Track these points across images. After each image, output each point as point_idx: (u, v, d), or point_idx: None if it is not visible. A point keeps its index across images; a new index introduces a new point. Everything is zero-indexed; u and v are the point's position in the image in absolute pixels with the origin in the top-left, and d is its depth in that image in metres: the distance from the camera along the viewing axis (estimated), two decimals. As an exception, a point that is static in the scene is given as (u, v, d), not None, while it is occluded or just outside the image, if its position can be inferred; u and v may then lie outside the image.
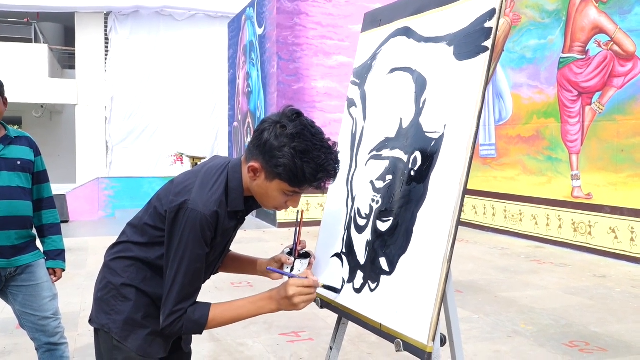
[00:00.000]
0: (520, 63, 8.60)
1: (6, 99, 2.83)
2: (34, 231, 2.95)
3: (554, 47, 7.97)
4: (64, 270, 3.04)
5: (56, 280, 3.00)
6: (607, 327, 4.47)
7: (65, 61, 17.68)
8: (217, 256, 1.76)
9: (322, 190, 1.64)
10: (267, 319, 4.56)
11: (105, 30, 15.13)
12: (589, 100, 7.40)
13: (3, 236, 2.74)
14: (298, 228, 1.78)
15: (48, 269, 2.95)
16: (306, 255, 1.81)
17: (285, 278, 1.71)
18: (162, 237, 1.66)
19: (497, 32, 1.46)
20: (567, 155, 7.74)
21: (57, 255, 2.99)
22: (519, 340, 4.18)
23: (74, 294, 5.50)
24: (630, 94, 6.81)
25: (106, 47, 15.10)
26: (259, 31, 11.02)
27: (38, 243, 2.95)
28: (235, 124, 13.28)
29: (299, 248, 1.80)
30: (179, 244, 1.59)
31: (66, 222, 11.60)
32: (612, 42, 7.05)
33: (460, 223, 9.22)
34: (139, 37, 15.07)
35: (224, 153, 15.05)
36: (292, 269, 1.76)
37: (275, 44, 9.95)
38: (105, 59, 15.09)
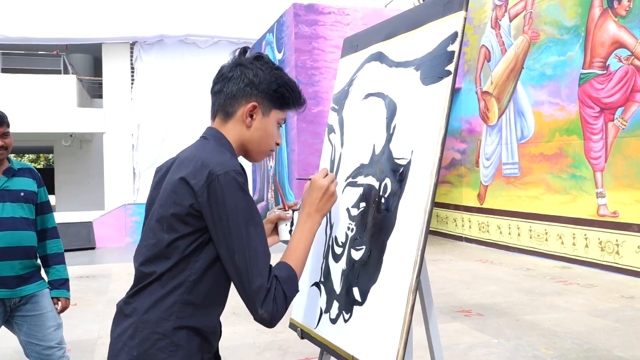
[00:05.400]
0: (541, 80, 8.48)
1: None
2: (39, 261, 3.00)
3: (574, 63, 7.85)
4: (68, 299, 3.06)
5: (62, 311, 3.03)
6: (632, 351, 4.30)
7: (94, 91, 18.09)
8: None
9: (303, 107, 1.63)
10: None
11: (131, 60, 15.46)
12: (611, 116, 7.24)
13: (7, 266, 2.79)
14: (279, 191, 1.71)
15: (52, 298, 2.99)
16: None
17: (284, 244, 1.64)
18: (191, 244, 1.43)
19: (459, 55, 1.43)
20: (591, 173, 7.56)
21: (61, 284, 3.03)
22: (537, 366, 4.05)
23: (93, 321, 5.54)
24: (654, 109, 6.65)
25: (132, 75, 15.41)
26: (279, 56, 11.13)
27: (43, 273, 2.99)
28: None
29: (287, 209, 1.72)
30: (231, 214, 1.39)
31: (92, 248, 11.77)
32: (633, 57, 6.90)
33: (484, 243, 8.86)
34: (164, 65, 15.34)
35: (249, 173, 15.13)
36: (292, 223, 1.66)
37: (294, 68, 10.03)
38: (132, 87, 15.39)
